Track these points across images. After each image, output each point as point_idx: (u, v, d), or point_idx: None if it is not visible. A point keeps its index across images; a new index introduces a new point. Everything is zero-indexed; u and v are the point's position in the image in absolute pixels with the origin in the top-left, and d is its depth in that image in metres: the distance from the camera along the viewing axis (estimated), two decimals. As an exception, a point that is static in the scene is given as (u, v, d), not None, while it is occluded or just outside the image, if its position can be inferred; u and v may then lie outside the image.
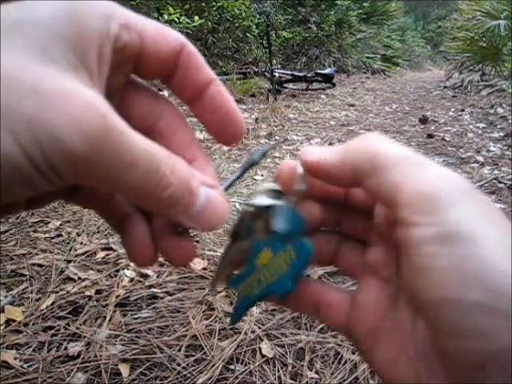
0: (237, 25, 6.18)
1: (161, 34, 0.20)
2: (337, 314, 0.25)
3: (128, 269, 1.37)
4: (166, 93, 4.13)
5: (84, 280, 1.30)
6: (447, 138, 3.52)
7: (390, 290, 0.23)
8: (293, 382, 1.01)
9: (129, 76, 0.22)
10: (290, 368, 1.04)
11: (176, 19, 4.54)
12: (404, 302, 0.22)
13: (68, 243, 1.50)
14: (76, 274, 1.32)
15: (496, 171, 2.59)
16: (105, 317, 1.15)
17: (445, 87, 7.28)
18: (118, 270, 1.36)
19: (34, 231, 1.56)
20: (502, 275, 0.16)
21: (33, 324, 1.11)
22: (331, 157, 0.22)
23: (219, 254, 1.49)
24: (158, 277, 1.35)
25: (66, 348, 1.04)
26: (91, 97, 0.16)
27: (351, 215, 0.26)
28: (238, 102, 4.71)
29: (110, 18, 0.18)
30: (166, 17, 4.47)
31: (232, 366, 1.03)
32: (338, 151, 0.23)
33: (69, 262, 1.39)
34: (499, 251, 0.16)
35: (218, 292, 1.29)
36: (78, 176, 0.16)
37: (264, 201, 0.24)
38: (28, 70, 0.15)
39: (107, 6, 0.18)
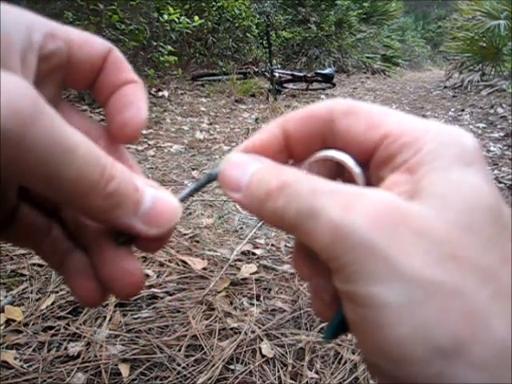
0: (237, 25, 6.19)
1: (86, 40, 0.20)
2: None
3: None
4: (166, 93, 4.09)
5: (84, 280, 1.30)
6: (447, 138, 3.52)
7: None
8: (293, 382, 1.00)
9: (60, 88, 0.21)
10: (290, 368, 1.04)
11: (176, 19, 4.54)
12: None
13: (68, 243, 1.50)
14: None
15: (496, 171, 2.59)
16: (105, 317, 1.15)
17: (445, 87, 7.28)
18: (117, 270, 1.36)
19: None
20: (396, 342, 0.14)
21: (33, 324, 1.11)
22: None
23: (219, 254, 1.49)
24: (158, 277, 1.35)
25: (66, 348, 1.04)
26: (21, 81, 0.15)
27: None
28: (238, 102, 4.71)
29: (32, 28, 0.17)
30: (166, 17, 4.47)
31: (232, 366, 1.03)
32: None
33: (69, 262, 1.39)
34: (396, 314, 0.15)
35: (218, 292, 1.29)
36: (9, 162, 0.14)
37: None
38: None
39: (29, 18, 0.18)
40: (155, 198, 0.19)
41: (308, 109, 0.21)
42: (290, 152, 0.22)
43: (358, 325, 0.16)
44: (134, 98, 0.21)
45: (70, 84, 0.21)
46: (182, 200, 0.21)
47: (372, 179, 0.20)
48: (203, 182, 0.23)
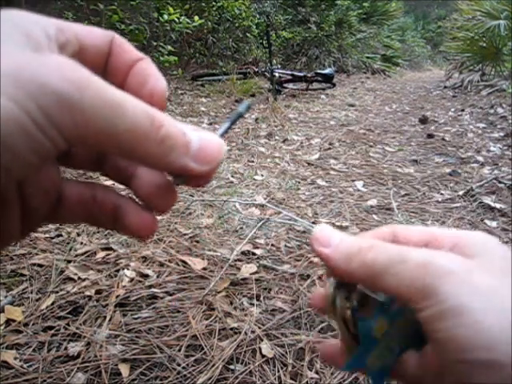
0: (237, 25, 6.18)
1: (90, 30, 0.22)
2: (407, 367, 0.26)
3: (128, 269, 1.37)
4: (166, 93, 4.16)
5: (84, 280, 1.30)
6: (447, 138, 3.52)
7: None
8: (293, 382, 1.00)
9: None
10: (290, 368, 1.04)
11: (176, 19, 4.54)
12: None
13: (68, 243, 1.50)
14: (76, 274, 1.32)
15: (496, 171, 2.59)
16: (105, 317, 1.15)
17: (445, 87, 7.28)
18: (117, 270, 1.36)
19: (34, 231, 1.56)
20: (489, 331, 0.19)
21: (33, 324, 1.11)
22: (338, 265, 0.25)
23: (219, 254, 1.50)
24: (157, 277, 1.35)
25: (66, 348, 1.04)
26: (62, 56, 0.17)
27: None
28: (238, 102, 4.71)
29: (46, 25, 0.19)
30: (166, 17, 4.47)
31: (232, 366, 1.03)
32: (340, 260, 0.25)
33: (69, 262, 1.39)
34: (482, 312, 0.20)
35: (218, 292, 1.29)
36: (76, 127, 0.16)
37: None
38: None
39: (41, 18, 0.20)
40: (201, 139, 0.21)
41: (377, 229, 0.28)
42: None
43: (450, 335, 0.20)
44: (150, 71, 0.23)
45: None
46: (222, 135, 0.24)
47: None
48: (235, 117, 0.25)
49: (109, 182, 0.26)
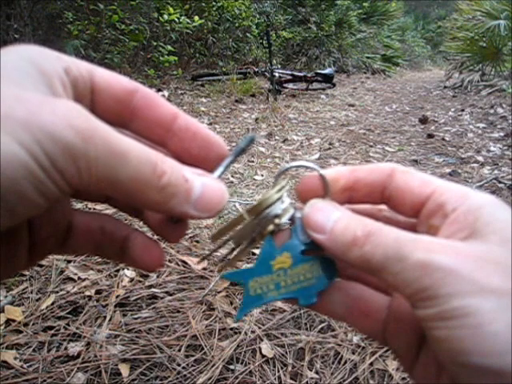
0: (237, 25, 6.18)
1: (111, 75, 0.22)
2: (372, 322, 0.25)
3: (128, 269, 1.37)
4: (166, 93, 4.10)
5: (84, 280, 1.30)
6: (447, 138, 3.52)
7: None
8: (293, 382, 1.00)
9: None
10: (289, 368, 1.04)
11: (176, 19, 4.54)
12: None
13: (68, 243, 1.50)
14: (76, 274, 1.32)
15: (496, 171, 2.59)
16: (105, 317, 1.15)
17: (445, 87, 7.28)
18: (117, 270, 1.36)
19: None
20: (495, 335, 0.18)
21: (33, 324, 1.11)
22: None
23: (219, 254, 1.49)
24: (158, 277, 1.35)
25: (66, 348, 1.04)
26: (72, 102, 0.18)
27: None
28: (238, 102, 4.71)
29: (59, 59, 0.20)
30: (166, 17, 4.47)
31: (232, 366, 1.03)
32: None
33: (69, 261, 1.39)
34: (490, 315, 0.18)
35: (218, 292, 1.29)
36: (79, 174, 0.17)
37: (288, 211, 0.25)
38: (9, 90, 0.17)
39: (54, 53, 0.20)
40: (204, 186, 0.21)
41: (374, 164, 0.25)
42: (351, 194, 0.25)
43: (454, 336, 0.19)
44: (206, 134, 0.24)
45: (96, 112, 0.21)
46: (220, 176, 0.24)
47: (421, 227, 0.24)
48: (236, 154, 0.25)
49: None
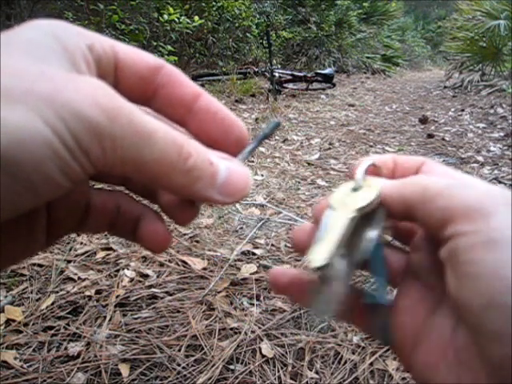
0: (237, 25, 6.18)
1: (135, 51, 0.21)
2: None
3: (128, 269, 1.37)
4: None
5: (84, 280, 1.30)
6: (447, 138, 3.52)
7: (431, 297, 0.23)
8: (293, 382, 1.00)
9: None
10: (289, 368, 1.04)
11: (176, 19, 4.54)
12: (446, 309, 0.22)
13: (68, 243, 1.50)
14: (76, 274, 1.32)
15: (496, 171, 2.59)
16: (105, 317, 1.15)
17: (445, 87, 7.28)
18: (118, 270, 1.36)
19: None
20: None
21: (33, 324, 1.11)
22: (391, 191, 0.23)
23: (219, 254, 1.50)
24: (158, 277, 1.35)
25: (66, 348, 1.04)
26: (97, 80, 0.17)
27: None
28: (238, 101, 4.71)
29: (82, 35, 0.19)
30: (166, 17, 4.47)
31: (232, 366, 1.03)
32: (395, 186, 0.23)
33: (69, 262, 1.39)
34: None
35: (218, 292, 1.29)
36: (104, 154, 0.16)
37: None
38: (33, 66, 0.16)
39: (77, 28, 0.20)
40: (229, 170, 0.20)
41: (411, 156, 0.25)
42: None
43: (474, 271, 0.18)
44: (226, 115, 0.23)
45: (121, 91, 0.21)
46: (244, 160, 0.23)
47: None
48: (261, 139, 0.25)
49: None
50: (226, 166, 0.20)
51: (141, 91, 0.22)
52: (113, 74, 0.21)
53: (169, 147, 0.18)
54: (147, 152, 0.17)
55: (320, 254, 0.21)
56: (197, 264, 1.42)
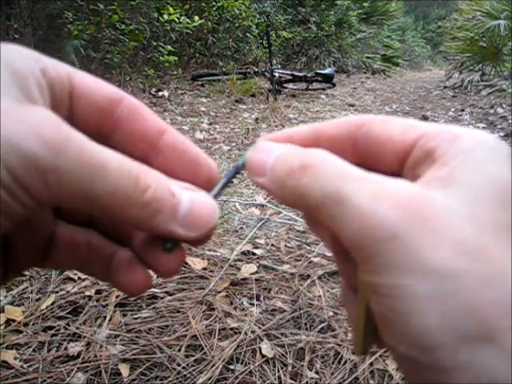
0: (237, 25, 6.18)
1: (94, 80, 0.20)
2: None
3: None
4: (166, 93, 4.10)
5: (84, 280, 1.30)
6: (447, 138, 3.52)
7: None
8: (293, 381, 1.00)
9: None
10: (289, 368, 1.04)
11: (176, 19, 4.54)
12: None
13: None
14: (76, 274, 1.32)
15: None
16: (105, 317, 1.15)
17: (445, 87, 7.28)
18: (117, 270, 1.36)
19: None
20: (425, 329, 0.15)
21: (33, 324, 1.11)
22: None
23: (219, 254, 1.50)
24: (158, 277, 1.34)
25: (66, 348, 1.04)
26: (44, 109, 0.16)
27: None
28: (238, 101, 4.71)
29: (36, 59, 0.18)
30: (166, 17, 4.47)
31: (232, 366, 1.03)
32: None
33: (69, 262, 1.39)
34: (424, 304, 0.15)
35: (218, 292, 1.29)
36: (48, 190, 0.15)
37: None
38: None
39: (31, 52, 0.18)
40: (192, 202, 0.19)
41: (343, 117, 0.21)
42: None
43: (384, 315, 0.16)
44: (186, 147, 0.21)
45: (75, 121, 0.20)
46: (216, 197, 0.21)
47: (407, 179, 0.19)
48: (232, 174, 0.23)
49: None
50: (188, 197, 0.19)
51: (98, 124, 0.20)
52: (67, 103, 0.19)
53: (124, 179, 0.16)
54: (99, 185, 0.16)
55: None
56: (197, 264, 1.42)
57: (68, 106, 0.19)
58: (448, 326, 0.14)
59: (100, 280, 0.23)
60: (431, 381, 0.15)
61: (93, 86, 0.20)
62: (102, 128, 0.20)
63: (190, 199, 0.19)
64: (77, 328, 1.11)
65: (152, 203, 0.17)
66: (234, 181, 2.30)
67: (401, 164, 0.19)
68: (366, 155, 0.20)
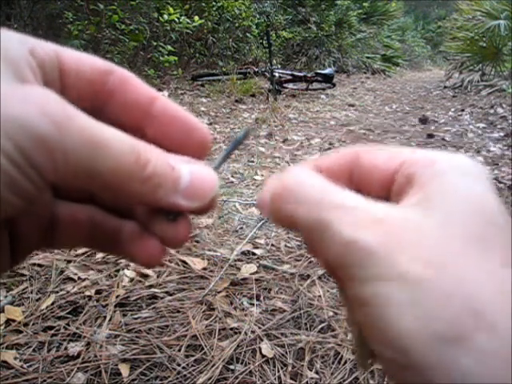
0: (237, 25, 6.18)
1: (81, 55, 0.20)
2: None
3: (128, 269, 1.37)
4: (166, 93, 4.10)
5: (84, 280, 1.30)
6: (447, 138, 3.52)
7: None
8: (293, 382, 1.00)
9: None
10: (289, 368, 1.04)
11: (176, 19, 4.54)
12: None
13: (68, 243, 1.50)
14: (76, 274, 1.32)
15: (496, 171, 2.59)
16: (105, 317, 1.15)
17: (445, 87, 7.28)
18: (118, 270, 1.36)
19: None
20: (400, 332, 0.16)
21: (33, 324, 1.11)
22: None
23: (219, 254, 1.50)
24: (158, 277, 1.35)
25: (66, 348, 1.04)
26: (44, 89, 0.16)
27: None
28: (238, 102, 4.71)
29: (23, 40, 0.18)
30: (166, 17, 4.47)
31: (232, 366, 1.03)
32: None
33: (69, 262, 1.39)
34: (400, 310, 0.16)
35: (218, 292, 1.29)
36: (55, 168, 0.16)
37: None
38: None
39: (18, 35, 0.18)
40: (192, 173, 0.19)
41: (338, 151, 0.23)
42: None
43: (368, 323, 0.17)
44: (185, 118, 0.22)
45: (68, 96, 0.19)
46: (217, 168, 0.22)
47: None
48: (232, 146, 0.24)
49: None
50: (188, 170, 0.19)
51: (91, 97, 0.20)
52: (58, 80, 0.19)
53: (125, 155, 0.17)
54: (101, 162, 0.16)
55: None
56: (197, 264, 1.42)
57: (59, 83, 0.19)
58: (421, 329, 0.16)
59: (113, 254, 0.24)
60: (411, 381, 0.16)
61: (81, 60, 0.20)
62: (96, 100, 0.21)
63: (190, 171, 0.19)
64: (77, 328, 1.11)
65: (153, 178, 0.18)
66: (234, 181, 2.30)
67: (387, 191, 0.21)
68: (359, 186, 0.21)
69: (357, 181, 0.22)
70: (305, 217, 0.18)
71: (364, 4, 10.18)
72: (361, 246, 0.17)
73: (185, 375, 0.99)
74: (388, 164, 0.21)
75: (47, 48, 0.19)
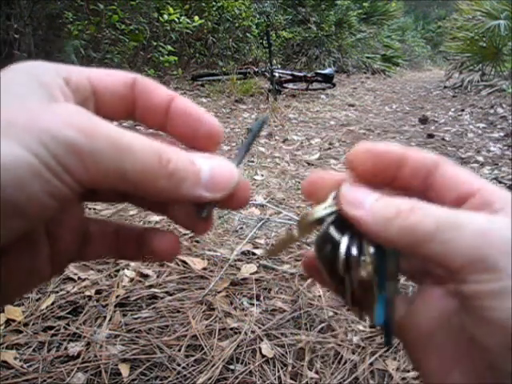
0: (237, 25, 6.18)
1: (108, 73, 0.23)
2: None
3: (128, 269, 1.37)
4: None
5: (84, 280, 1.30)
6: (447, 138, 3.52)
7: (452, 304, 0.22)
8: (293, 382, 1.01)
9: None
10: (289, 368, 1.04)
11: (176, 19, 4.54)
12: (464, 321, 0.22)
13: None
14: (76, 274, 1.32)
15: (496, 171, 2.59)
16: (105, 317, 1.15)
17: (445, 87, 7.28)
18: (118, 270, 1.36)
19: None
20: None
21: (33, 324, 1.11)
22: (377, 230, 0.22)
23: (219, 254, 1.50)
24: (158, 277, 1.35)
25: (66, 348, 1.04)
26: (72, 104, 0.19)
27: None
28: (238, 102, 4.71)
29: (58, 70, 0.21)
30: (166, 17, 4.47)
31: (232, 366, 1.03)
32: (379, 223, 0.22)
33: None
34: None
35: (218, 292, 1.29)
36: (87, 172, 0.18)
37: None
38: (13, 102, 0.18)
39: (53, 65, 0.21)
40: (211, 166, 0.21)
41: (423, 151, 0.24)
42: (396, 173, 0.24)
43: (489, 317, 0.18)
44: (197, 114, 0.24)
45: (104, 114, 0.22)
46: (239, 162, 0.24)
47: None
48: (251, 138, 0.26)
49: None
50: (207, 164, 0.21)
51: (123, 109, 0.23)
52: (93, 100, 0.22)
53: (148, 156, 0.19)
54: (128, 164, 0.18)
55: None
56: (197, 264, 1.42)
57: (94, 103, 0.22)
58: None
59: (132, 260, 0.28)
60: None
61: (109, 78, 0.23)
62: (127, 111, 0.24)
63: (209, 165, 0.21)
64: (77, 328, 1.11)
65: (176, 173, 0.20)
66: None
67: (460, 203, 0.23)
68: (432, 188, 0.23)
69: (430, 184, 0.23)
70: (434, 221, 0.19)
71: (364, 4, 10.17)
72: (501, 235, 0.18)
73: (185, 375, 0.99)
74: (469, 183, 0.22)
75: (81, 74, 0.22)
